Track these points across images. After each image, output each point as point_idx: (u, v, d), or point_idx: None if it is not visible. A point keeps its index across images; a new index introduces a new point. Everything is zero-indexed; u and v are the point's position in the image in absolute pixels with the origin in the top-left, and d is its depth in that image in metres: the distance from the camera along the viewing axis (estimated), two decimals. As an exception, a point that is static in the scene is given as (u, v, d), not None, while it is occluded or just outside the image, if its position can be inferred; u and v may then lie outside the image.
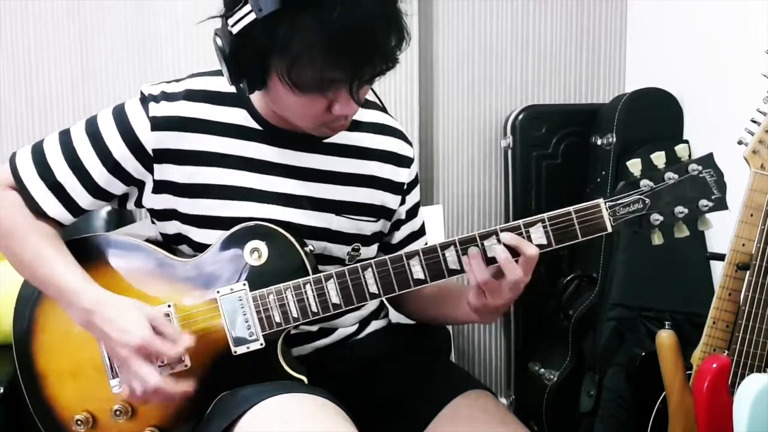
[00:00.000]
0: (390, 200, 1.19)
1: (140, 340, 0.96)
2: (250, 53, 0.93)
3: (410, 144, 1.23)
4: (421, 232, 1.29)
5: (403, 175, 1.20)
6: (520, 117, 1.98)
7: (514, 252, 0.98)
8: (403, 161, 1.20)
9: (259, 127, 1.09)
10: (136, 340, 0.96)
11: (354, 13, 0.88)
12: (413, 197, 1.25)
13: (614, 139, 1.82)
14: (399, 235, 1.25)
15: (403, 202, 1.22)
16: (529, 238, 0.99)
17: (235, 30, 0.92)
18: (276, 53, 0.92)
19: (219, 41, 0.96)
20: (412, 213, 1.26)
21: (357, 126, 1.16)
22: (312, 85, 0.94)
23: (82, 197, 1.09)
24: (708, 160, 0.99)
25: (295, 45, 0.90)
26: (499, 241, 0.98)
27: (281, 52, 0.91)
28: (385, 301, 1.30)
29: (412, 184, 1.24)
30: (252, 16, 0.90)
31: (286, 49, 0.91)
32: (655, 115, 1.83)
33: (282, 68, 0.93)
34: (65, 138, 1.09)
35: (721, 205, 0.98)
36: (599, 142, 1.88)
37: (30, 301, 1.11)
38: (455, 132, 2.08)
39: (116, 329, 0.98)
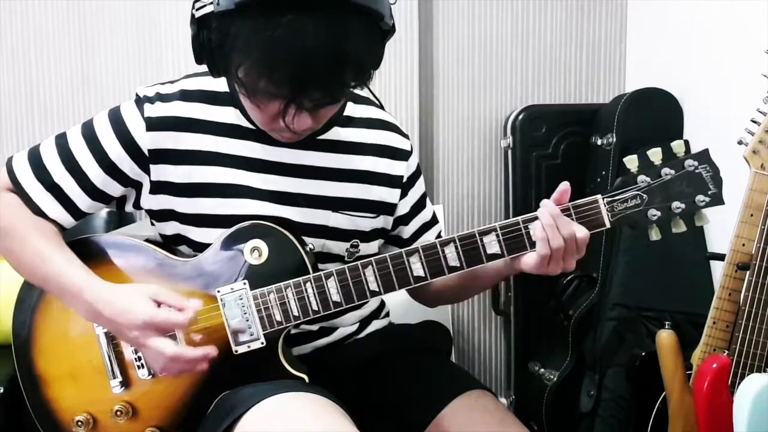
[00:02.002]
0: (387, 195, 1.19)
1: (145, 316, 0.96)
2: (208, 40, 0.94)
3: (406, 137, 1.22)
4: (433, 221, 1.28)
5: (400, 169, 1.20)
6: (520, 117, 1.98)
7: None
8: (398, 154, 1.20)
9: (251, 126, 1.09)
10: (142, 317, 0.96)
11: (296, 39, 0.88)
12: (417, 190, 1.24)
13: (614, 139, 1.82)
14: (409, 230, 1.24)
15: (404, 196, 1.21)
16: (528, 235, 1.00)
17: (196, 15, 0.93)
18: (227, 49, 0.92)
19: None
20: (420, 205, 1.25)
21: (349, 121, 1.15)
22: (254, 91, 0.94)
23: (80, 199, 1.09)
24: (704, 156, 0.99)
25: (240, 48, 0.90)
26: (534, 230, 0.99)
27: (230, 50, 0.92)
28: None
29: (414, 177, 1.23)
30: (211, 8, 0.90)
31: (233, 49, 0.91)
32: (655, 115, 1.83)
33: (232, 65, 0.93)
34: (61, 141, 1.09)
35: (717, 200, 0.99)
36: (599, 142, 1.88)
37: (29, 304, 1.11)
38: (455, 132, 2.08)
39: (121, 312, 0.98)
